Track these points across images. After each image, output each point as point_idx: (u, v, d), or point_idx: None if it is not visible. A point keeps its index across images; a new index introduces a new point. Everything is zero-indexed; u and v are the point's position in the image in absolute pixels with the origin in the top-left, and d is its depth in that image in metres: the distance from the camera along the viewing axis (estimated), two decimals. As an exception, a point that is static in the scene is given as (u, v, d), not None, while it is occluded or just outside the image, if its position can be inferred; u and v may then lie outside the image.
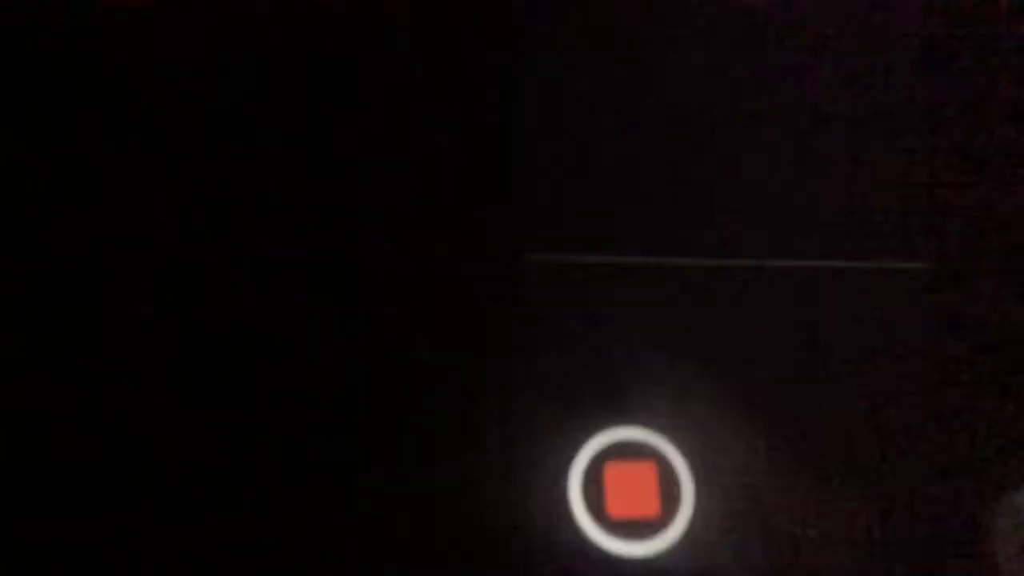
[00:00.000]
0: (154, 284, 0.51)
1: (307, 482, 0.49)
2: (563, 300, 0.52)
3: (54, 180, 0.52)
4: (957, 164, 0.56)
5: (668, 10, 0.58)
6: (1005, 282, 0.54)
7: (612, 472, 0.50)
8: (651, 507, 0.50)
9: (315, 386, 0.50)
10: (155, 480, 0.48)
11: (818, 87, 0.57)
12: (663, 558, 0.49)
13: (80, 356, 0.49)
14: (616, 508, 0.49)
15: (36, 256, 0.51)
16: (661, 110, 0.56)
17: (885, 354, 0.53)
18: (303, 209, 0.53)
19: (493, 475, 0.49)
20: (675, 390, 0.51)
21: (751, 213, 0.55)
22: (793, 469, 0.51)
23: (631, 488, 0.50)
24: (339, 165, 0.53)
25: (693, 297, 0.53)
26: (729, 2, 0.58)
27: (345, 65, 0.55)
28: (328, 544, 0.48)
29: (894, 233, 0.55)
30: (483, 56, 0.55)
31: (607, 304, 0.53)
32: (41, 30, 0.52)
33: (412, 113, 0.54)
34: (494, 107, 0.55)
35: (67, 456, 0.48)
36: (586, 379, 0.51)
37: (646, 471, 0.50)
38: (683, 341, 0.52)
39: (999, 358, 0.53)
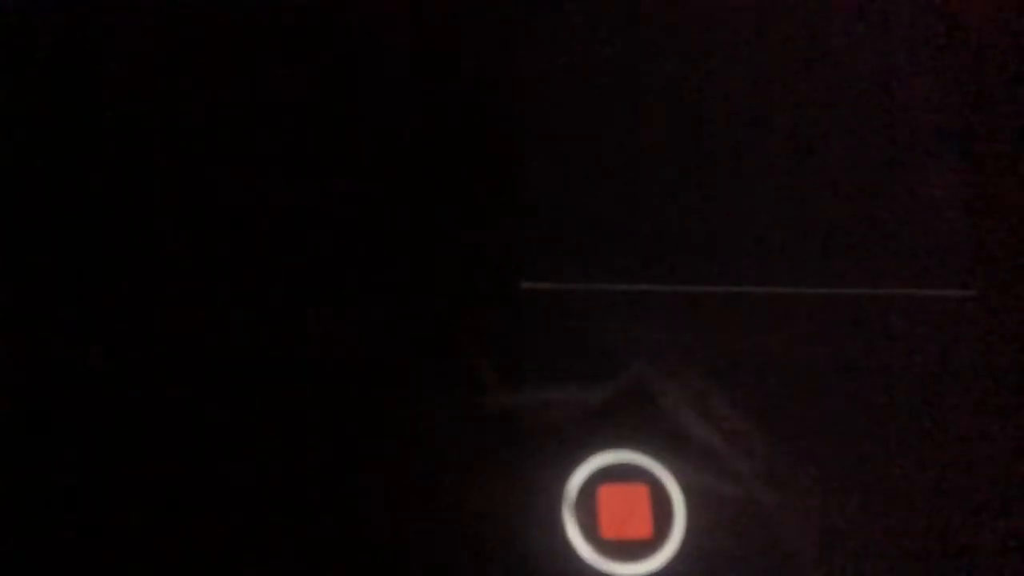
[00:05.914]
0: (146, 299, 0.52)
1: (297, 506, 0.49)
2: (558, 326, 0.53)
3: (56, 181, 0.53)
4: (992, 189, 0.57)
5: (665, 41, 0.58)
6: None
7: (605, 494, 0.50)
8: (644, 529, 0.50)
9: (305, 411, 0.51)
10: (149, 485, 0.49)
11: (834, 110, 0.58)
12: (656, 579, 0.50)
13: (79, 357, 0.51)
14: (609, 529, 0.50)
15: (37, 257, 0.52)
16: (661, 139, 0.57)
17: (874, 377, 0.53)
18: (297, 231, 0.53)
19: (487, 497, 0.50)
20: (667, 414, 0.52)
21: (744, 241, 0.56)
22: (784, 491, 0.51)
23: (624, 510, 0.50)
24: (335, 192, 0.54)
25: (685, 323, 0.54)
26: (731, 29, 0.58)
27: (342, 91, 0.56)
28: (319, 568, 0.49)
29: (874, 259, 0.56)
30: (481, 85, 0.56)
31: (601, 330, 0.53)
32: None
33: (409, 140, 0.55)
34: (491, 136, 0.56)
35: (67, 456, 0.49)
36: (579, 403, 0.52)
37: (639, 493, 0.51)
38: (675, 366, 0.53)
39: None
